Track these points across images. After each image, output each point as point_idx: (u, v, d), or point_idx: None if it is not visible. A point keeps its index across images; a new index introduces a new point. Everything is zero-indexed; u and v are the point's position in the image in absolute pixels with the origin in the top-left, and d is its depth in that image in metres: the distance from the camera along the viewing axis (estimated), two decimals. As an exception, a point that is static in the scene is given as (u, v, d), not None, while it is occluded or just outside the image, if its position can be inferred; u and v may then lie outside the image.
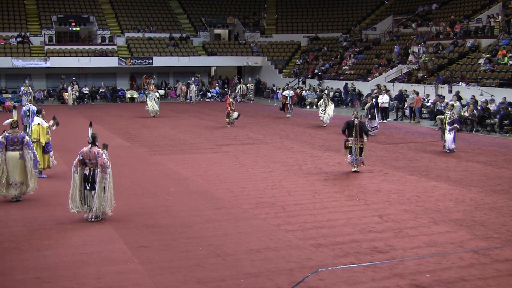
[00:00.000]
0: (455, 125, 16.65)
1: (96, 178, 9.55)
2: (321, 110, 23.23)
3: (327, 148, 17.74)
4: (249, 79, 39.61)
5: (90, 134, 9.77)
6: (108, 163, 9.59)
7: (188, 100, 36.19)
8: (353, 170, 13.90)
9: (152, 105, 26.91)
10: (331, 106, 23.54)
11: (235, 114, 23.32)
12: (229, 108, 23.09)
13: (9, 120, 11.92)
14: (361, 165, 13.92)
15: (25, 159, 10.95)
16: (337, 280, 7.19)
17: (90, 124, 10.24)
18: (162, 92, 27.34)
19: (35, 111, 14.61)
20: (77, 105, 34.31)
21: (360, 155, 13.71)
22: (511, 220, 9.83)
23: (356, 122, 13.58)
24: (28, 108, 16.04)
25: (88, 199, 9.67)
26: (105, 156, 9.62)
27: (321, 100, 23.72)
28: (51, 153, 13.64)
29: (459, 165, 14.92)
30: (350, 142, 13.65)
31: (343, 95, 33.55)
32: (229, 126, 22.98)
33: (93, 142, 9.68)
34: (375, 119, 20.57)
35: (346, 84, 33.94)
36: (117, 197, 10.10)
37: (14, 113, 10.97)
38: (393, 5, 44.34)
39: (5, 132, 11.04)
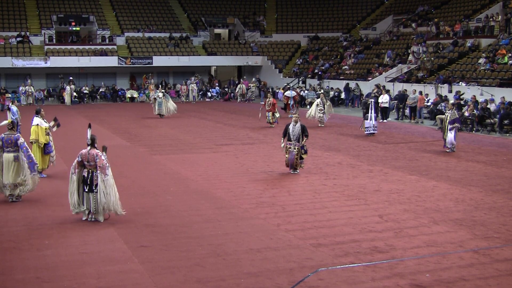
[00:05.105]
0: (455, 124, 16.72)
1: (94, 181, 9.55)
2: (319, 109, 22.95)
3: (327, 148, 17.73)
4: (254, 79, 39.54)
5: (89, 136, 9.76)
6: (107, 165, 9.59)
7: (188, 100, 36.32)
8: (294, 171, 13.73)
9: (156, 107, 26.80)
10: (329, 104, 23.49)
11: (277, 114, 23.12)
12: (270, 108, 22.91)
13: (4, 122, 11.92)
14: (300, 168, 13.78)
15: (20, 162, 10.87)
16: (337, 279, 7.19)
17: (89, 126, 10.24)
18: (160, 93, 27.09)
19: (14, 111, 14.57)
20: (73, 104, 34.22)
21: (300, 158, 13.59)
22: (511, 220, 9.83)
23: (290, 126, 13.49)
24: (8, 108, 15.91)
25: (86, 201, 9.66)
26: (104, 158, 9.61)
27: (318, 99, 23.40)
28: (52, 154, 13.57)
29: (459, 165, 14.92)
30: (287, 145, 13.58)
31: (343, 95, 33.47)
32: (272, 126, 22.77)
33: (92, 144, 9.67)
34: (367, 119, 20.28)
35: (347, 84, 33.85)
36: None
37: (8, 114, 11.02)
38: (393, 4, 44.32)
39: (1, 134, 11.01)
